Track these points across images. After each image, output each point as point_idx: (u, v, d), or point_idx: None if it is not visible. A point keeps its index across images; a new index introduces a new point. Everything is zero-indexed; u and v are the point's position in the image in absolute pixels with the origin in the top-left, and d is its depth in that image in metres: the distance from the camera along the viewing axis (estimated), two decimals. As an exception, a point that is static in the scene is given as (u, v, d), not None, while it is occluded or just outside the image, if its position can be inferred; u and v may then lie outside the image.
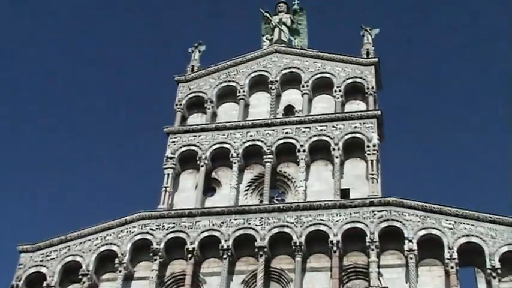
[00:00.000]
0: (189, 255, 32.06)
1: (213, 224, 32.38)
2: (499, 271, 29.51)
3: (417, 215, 31.14)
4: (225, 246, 31.77)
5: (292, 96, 37.97)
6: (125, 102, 73.71)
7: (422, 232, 30.73)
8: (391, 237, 30.88)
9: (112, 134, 72.34)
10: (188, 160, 35.82)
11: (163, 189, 34.84)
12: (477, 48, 71.75)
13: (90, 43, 75.42)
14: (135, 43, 76.28)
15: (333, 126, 35.03)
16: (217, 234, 32.17)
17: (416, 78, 72.77)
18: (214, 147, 35.66)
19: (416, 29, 74.87)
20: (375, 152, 33.84)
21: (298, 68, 38.33)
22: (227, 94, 38.42)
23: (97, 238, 33.22)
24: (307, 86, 37.55)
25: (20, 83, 71.79)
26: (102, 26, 75.73)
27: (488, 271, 29.63)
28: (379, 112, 35.30)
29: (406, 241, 30.53)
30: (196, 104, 38.36)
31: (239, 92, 38.05)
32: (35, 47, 73.18)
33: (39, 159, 69.35)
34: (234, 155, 35.15)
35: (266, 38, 41.42)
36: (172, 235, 32.68)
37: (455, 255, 29.96)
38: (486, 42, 70.95)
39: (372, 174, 33.19)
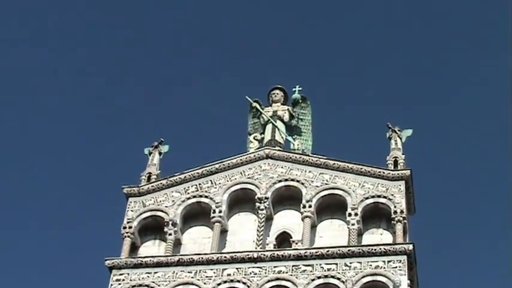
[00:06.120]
0: None
1: None
2: None
3: None
4: None
5: (288, 220, 32.41)
6: (58, 219, 63.40)
7: None
8: None
9: (40, 264, 61.78)
10: (139, 307, 31.07)
11: None
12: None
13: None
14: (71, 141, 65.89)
15: (346, 265, 29.94)
16: None
17: (463, 198, 62.46)
18: (177, 289, 30.92)
19: (462, 131, 64.22)
20: (404, 302, 28.98)
21: (297, 181, 32.63)
22: (197, 214, 32.77)
23: None
24: (310, 206, 31.82)
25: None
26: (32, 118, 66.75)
27: None
28: (410, 247, 29.92)
29: None
30: (153, 227, 32.71)
31: (214, 212, 32.32)
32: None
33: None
34: (205, 301, 30.25)
35: (254, 138, 35.64)
36: None
37: None
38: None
39: (400, 332, 28.24)
